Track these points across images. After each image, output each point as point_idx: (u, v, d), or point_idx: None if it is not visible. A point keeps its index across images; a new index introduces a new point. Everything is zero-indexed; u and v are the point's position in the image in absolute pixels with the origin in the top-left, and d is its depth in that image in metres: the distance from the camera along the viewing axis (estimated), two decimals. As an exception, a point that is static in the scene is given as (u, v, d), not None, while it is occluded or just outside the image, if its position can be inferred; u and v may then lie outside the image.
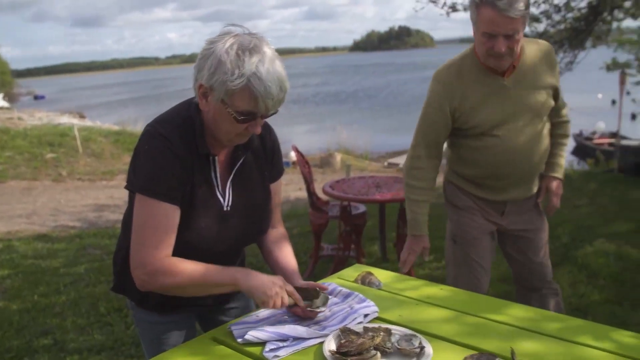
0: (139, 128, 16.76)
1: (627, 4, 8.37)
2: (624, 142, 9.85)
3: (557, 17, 8.27)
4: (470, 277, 2.25)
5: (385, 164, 15.40)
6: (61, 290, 4.06)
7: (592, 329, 1.42)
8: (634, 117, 18.77)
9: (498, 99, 2.07)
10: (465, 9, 6.93)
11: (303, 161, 4.09)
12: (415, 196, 2.25)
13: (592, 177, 8.20)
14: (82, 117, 26.88)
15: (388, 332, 1.32)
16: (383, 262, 4.35)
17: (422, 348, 1.25)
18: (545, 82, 2.09)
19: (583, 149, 14.96)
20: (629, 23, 9.26)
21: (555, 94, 2.16)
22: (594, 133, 16.10)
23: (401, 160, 15.64)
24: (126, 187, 1.42)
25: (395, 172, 13.33)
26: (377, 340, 1.25)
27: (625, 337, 1.37)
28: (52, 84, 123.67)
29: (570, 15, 8.34)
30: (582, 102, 25.27)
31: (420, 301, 1.61)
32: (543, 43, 2.13)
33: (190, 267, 1.37)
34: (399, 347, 1.27)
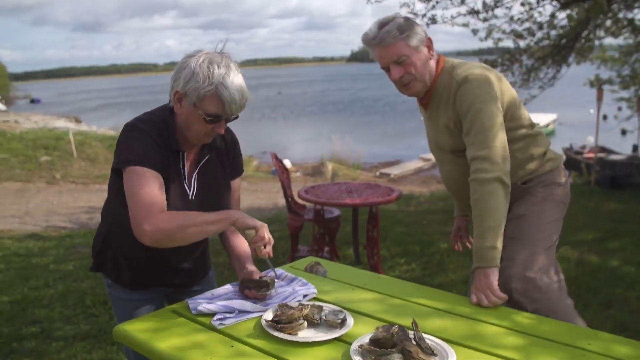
0: (134, 133, 16.97)
1: (608, 23, 8.69)
2: (611, 157, 10.14)
3: (540, 34, 8.57)
4: None
5: (377, 173, 15.66)
6: (50, 284, 4.29)
7: (497, 311, 1.66)
8: (624, 132, 19.17)
9: (426, 127, 2.19)
10: (444, 22, 7.24)
11: (281, 167, 4.35)
12: None
13: (572, 188, 8.49)
14: (78, 121, 27.11)
15: (319, 308, 1.57)
16: (357, 264, 4.60)
17: (344, 320, 1.50)
18: (445, 121, 1.99)
19: (573, 163, 15.28)
20: (611, 40, 9.56)
21: (465, 136, 1.90)
22: (583, 147, 16.38)
23: (393, 170, 15.92)
24: (114, 167, 1.63)
25: (386, 181, 13.60)
26: (305, 311, 1.49)
27: (523, 318, 1.62)
28: (49, 88, 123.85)
29: (553, 32, 8.64)
30: (574, 116, 25.67)
31: (357, 287, 1.86)
32: (459, 77, 1.91)
33: (186, 212, 1.60)
34: (325, 318, 1.51)
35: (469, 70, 1.92)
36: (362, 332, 1.44)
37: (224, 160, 1.83)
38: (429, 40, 1.96)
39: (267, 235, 1.60)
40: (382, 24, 1.92)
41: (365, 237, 4.28)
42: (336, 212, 4.41)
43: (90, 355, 3.08)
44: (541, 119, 25.44)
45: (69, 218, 7.50)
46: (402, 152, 19.72)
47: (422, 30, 1.95)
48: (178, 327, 1.53)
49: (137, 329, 1.53)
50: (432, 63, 1.98)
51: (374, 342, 1.35)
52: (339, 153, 16.75)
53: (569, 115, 26.14)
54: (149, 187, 1.55)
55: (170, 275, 1.84)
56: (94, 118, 32.17)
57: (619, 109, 14.11)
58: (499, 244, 1.76)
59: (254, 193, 10.13)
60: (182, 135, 1.68)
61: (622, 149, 14.70)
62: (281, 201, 8.94)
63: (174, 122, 1.67)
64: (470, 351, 1.39)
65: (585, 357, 1.37)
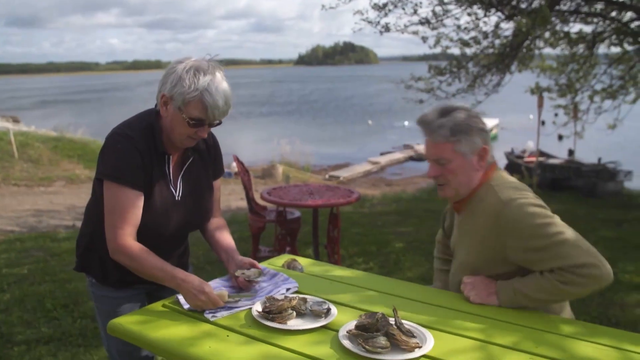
0: (79, 135, 16.45)
1: (547, 35, 9.21)
2: (551, 161, 10.72)
3: (485, 43, 8.99)
4: None
5: (327, 176, 15.87)
6: (5, 289, 4.19)
7: (461, 300, 1.82)
8: (560, 137, 20.25)
9: (454, 230, 2.00)
10: (397, 30, 7.51)
11: (243, 169, 4.42)
12: None
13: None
14: (16, 121, 25.91)
15: (304, 300, 1.68)
16: (316, 263, 4.73)
17: (329, 310, 1.63)
18: (478, 235, 1.80)
19: (514, 166, 15.98)
20: (549, 50, 10.12)
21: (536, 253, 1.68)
22: (524, 151, 17.14)
23: (342, 173, 16.17)
24: (96, 177, 1.74)
25: (336, 184, 13.81)
26: (293, 302, 1.61)
27: (484, 305, 1.79)
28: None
29: (497, 41, 9.08)
30: (515, 122, 26.80)
31: (334, 280, 1.99)
32: (505, 197, 1.73)
33: (150, 263, 1.69)
34: (311, 309, 1.63)
35: (519, 194, 1.74)
36: (346, 320, 1.56)
37: (206, 162, 1.93)
38: (484, 150, 1.79)
39: (203, 298, 1.63)
40: (441, 114, 1.79)
41: (326, 237, 4.42)
42: (297, 213, 4.53)
43: (56, 357, 3.07)
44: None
45: (16, 222, 7.25)
46: (351, 155, 20.06)
47: (481, 137, 1.79)
48: (172, 320, 1.61)
49: (132, 321, 1.60)
50: (478, 174, 1.81)
51: (359, 327, 1.48)
52: (289, 155, 16.87)
53: (510, 120, 27.26)
54: (122, 209, 1.67)
55: None
56: (32, 117, 30.86)
57: (556, 115, 14.89)
58: (525, 303, 1.71)
59: (206, 195, 10.07)
60: (168, 138, 1.76)
61: (559, 153, 15.54)
62: (234, 203, 8.97)
63: (160, 125, 1.75)
64: (442, 333, 1.54)
65: (543, 337, 1.54)
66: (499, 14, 7.86)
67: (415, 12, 7.26)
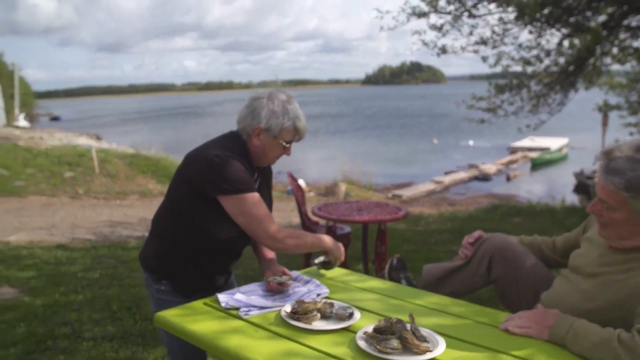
0: (153, 152, 17.42)
1: (615, 51, 8.91)
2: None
3: (547, 61, 8.82)
4: None
5: (390, 195, 15.89)
6: (79, 290, 4.60)
7: (481, 312, 1.91)
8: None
9: (585, 246, 1.91)
10: (454, 52, 7.55)
11: (296, 186, 4.64)
12: None
13: (575, 212, 8.68)
14: (98, 138, 27.73)
15: (331, 304, 1.83)
16: (366, 279, 4.84)
17: (352, 314, 1.77)
18: (624, 286, 1.62)
19: (583, 188, 15.36)
20: (618, 67, 9.77)
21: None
22: (594, 172, 16.44)
23: (405, 192, 16.14)
24: (222, 194, 1.91)
25: (398, 203, 13.82)
26: (319, 305, 1.76)
27: (499, 314, 1.87)
28: (69, 106, 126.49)
29: (561, 59, 8.89)
30: (586, 141, 25.72)
31: (363, 289, 2.13)
32: None
33: (307, 235, 2.12)
34: (335, 313, 1.78)
35: None
36: (366, 324, 1.69)
37: (268, 180, 2.25)
38: None
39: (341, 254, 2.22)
40: (634, 158, 1.58)
41: (374, 252, 4.54)
42: (347, 229, 4.67)
43: (117, 354, 3.37)
44: (553, 143, 25.51)
45: (92, 231, 7.84)
46: (415, 174, 19.99)
47: None
48: (209, 315, 1.80)
49: (175, 314, 1.81)
50: None
51: (376, 330, 1.61)
52: (352, 174, 17.04)
53: (581, 138, 26.18)
54: (263, 209, 1.98)
55: (219, 278, 2.16)
56: (113, 135, 32.92)
57: (631, 134, 14.25)
58: (570, 346, 1.56)
59: (268, 211, 10.42)
60: (255, 158, 2.07)
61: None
62: (295, 219, 9.20)
63: (247, 150, 2.04)
64: (456, 341, 1.63)
65: (556, 351, 1.58)
66: (558, 32, 7.73)
67: (471, 33, 7.30)
